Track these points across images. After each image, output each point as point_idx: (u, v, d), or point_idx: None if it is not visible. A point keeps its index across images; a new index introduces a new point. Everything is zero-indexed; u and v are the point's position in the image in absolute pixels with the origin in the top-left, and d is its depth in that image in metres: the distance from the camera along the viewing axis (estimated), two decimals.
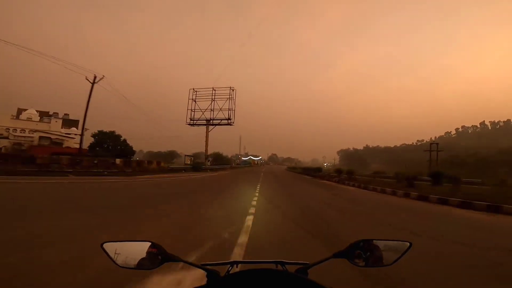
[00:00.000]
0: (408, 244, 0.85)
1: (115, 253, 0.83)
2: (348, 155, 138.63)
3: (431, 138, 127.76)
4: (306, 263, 0.91)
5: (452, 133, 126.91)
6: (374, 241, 0.87)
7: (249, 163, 79.50)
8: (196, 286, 0.72)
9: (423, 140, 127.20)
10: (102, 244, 0.84)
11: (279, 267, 0.95)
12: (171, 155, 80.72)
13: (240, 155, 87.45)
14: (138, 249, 0.84)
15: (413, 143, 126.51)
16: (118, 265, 0.82)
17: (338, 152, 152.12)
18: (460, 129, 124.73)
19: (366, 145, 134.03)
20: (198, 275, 1.24)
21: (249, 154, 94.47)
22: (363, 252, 0.86)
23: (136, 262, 0.83)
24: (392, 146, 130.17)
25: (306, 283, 0.73)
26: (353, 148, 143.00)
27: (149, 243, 0.85)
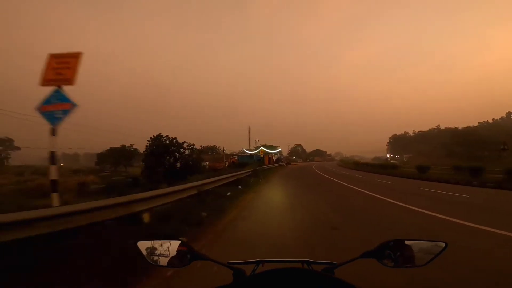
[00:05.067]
0: (444, 244, 0.87)
1: (149, 251, 0.94)
2: (405, 141, 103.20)
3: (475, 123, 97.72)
4: (333, 263, 0.94)
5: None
6: (405, 241, 0.88)
7: (258, 159, 44.53)
8: (222, 284, 0.76)
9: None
10: (136, 243, 0.96)
11: (305, 266, 0.98)
12: (127, 154, 51.43)
13: (246, 149, 56.04)
14: (168, 247, 0.94)
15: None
16: (150, 263, 0.93)
17: (390, 138, 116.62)
18: None
19: (438, 125, 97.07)
20: (224, 274, 1.01)
21: (262, 146, 60.00)
22: (392, 253, 0.87)
23: (167, 260, 0.92)
24: (472, 125, 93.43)
25: (334, 282, 0.76)
26: (414, 132, 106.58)
27: (179, 242, 0.95)
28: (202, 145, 22.17)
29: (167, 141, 20.28)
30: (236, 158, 47.17)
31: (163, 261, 0.93)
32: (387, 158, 71.66)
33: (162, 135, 20.07)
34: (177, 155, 20.03)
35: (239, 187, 11.59)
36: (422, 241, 0.89)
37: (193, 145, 21.11)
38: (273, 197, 10.14)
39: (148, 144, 19.79)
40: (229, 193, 9.30)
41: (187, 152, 21.16)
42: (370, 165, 32.95)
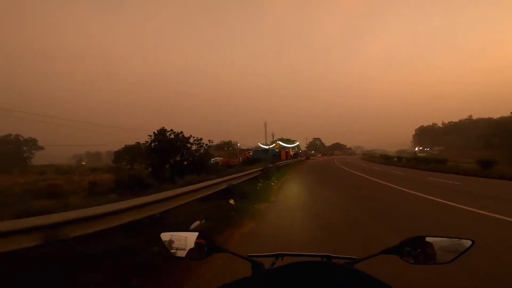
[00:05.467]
0: (470, 242, 0.84)
1: (170, 243, 0.96)
2: (433, 133, 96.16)
3: None
4: (354, 258, 0.95)
5: None
6: (427, 237, 0.86)
7: (274, 154, 40.60)
8: (241, 277, 0.76)
9: None
10: (160, 234, 1.00)
11: (325, 261, 0.97)
12: (141, 151, 51.02)
13: (262, 144, 53.38)
14: (188, 240, 0.95)
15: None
16: (171, 254, 0.95)
17: (416, 130, 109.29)
18: None
19: (470, 116, 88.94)
20: (243, 266, 0.99)
21: (278, 140, 56.41)
22: (412, 250, 0.85)
23: (186, 252, 0.94)
24: (507, 115, 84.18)
25: (356, 274, 0.74)
26: (444, 123, 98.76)
27: (199, 234, 0.97)
28: (211, 140, 19.18)
29: (172, 136, 18.13)
30: (250, 153, 44.31)
31: (183, 253, 0.94)
32: (415, 151, 65.88)
33: (166, 130, 17.92)
34: (184, 151, 17.83)
35: (231, 202, 6.69)
36: (446, 239, 0.86)
37: (201, 139, 18.80)
38: (291, 234, 4.61)
39: (149, 140, 17.72)
40: (198, 222, 4.73)
41: (194, 147, 18.91)
42: (405, 159, 28.61)
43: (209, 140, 19.57)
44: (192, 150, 18.62)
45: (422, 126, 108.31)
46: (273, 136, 54.08)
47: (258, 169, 13.74)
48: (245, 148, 55.84)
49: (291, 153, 52.49)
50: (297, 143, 63.91)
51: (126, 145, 53.91)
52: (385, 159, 34.58)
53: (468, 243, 0.83)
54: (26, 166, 65.13)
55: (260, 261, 0.92)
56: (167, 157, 17.18)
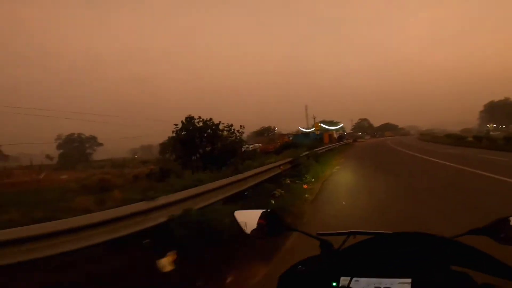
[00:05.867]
0: None
1: (242, 221, 0.96)
2: (508, 109, 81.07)
3: None
4: None
5: None
6: None
7: (315, 138, 36.26)
8: (311, 255, 0.78)
9: None
10: (233, 212, 1.01)
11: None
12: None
13: (303, 128, 50.12)
14: (260, 218, 0.93)
15: None
16: (244, 232, 0.94)
17: (485, 106, 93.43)
18: None
19: None
20: (312, 245, 0.95)
21: (320, 123, 51.85)
22: (501, 231, 0.79)
23: (258, 230, 0.92)
24: None
25: (463, 246, 0.67)
26: None
27: (271, 212, 0.94)
28: (243, 126, 16.61)
29: (201, 123, 16.53)
30: (290, 138, 41.14)
31: (255, 231, 0.93)
32: (489, 129, 55.40)
33: (193, 117, 16.35)
34: (215, 139, 16.21)
35: (161, 265, 2.75)
36: None
37: (231, 125, 16.87)
38: None
39: (175, 129, 16.37)
40: None
41: (225, 133, 17.15)
42: (485, 139, 21.91)
43: (240, 126, 17.56)
44: (223, 137, 16.90)
45: (492, 101, 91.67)
46: (314, 119, 50.08)
47: (283, 161, 9.60)
48: (285, 133, 53.14)
49: (335, 135, 48.06)
50: (341, 124, 58.73)
51: (168, 137, 55.47)
52: (455, 139, 27.41)
53: None
54: (88, 161, 72.49)
55: (329, 239, 0.88)
56: (196, 146, 15.73)
